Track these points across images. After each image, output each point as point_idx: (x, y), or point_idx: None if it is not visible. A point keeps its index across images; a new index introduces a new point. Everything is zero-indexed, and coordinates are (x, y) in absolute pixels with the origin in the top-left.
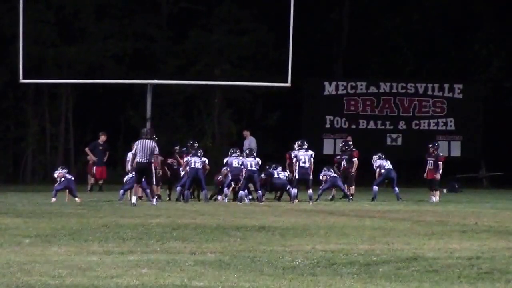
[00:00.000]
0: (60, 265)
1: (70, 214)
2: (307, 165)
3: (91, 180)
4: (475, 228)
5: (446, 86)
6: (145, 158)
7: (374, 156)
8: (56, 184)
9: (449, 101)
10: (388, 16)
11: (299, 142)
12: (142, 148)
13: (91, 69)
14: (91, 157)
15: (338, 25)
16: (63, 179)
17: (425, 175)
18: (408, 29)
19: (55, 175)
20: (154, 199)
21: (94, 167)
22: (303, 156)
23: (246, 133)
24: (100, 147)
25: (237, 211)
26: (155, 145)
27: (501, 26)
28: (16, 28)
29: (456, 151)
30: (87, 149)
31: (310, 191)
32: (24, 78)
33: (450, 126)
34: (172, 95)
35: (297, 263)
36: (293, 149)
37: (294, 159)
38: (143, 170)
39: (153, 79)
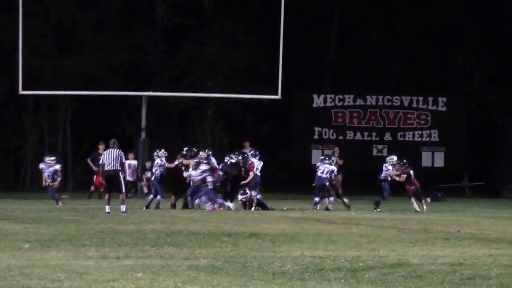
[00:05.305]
0: (58, 269)
1: (68, 220)
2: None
3: (92, 188)
4: (458, 236)
5: (430, 99)
6: (113, 167)
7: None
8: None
9: (433, 113)
10: (375, 32)
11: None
12: (109, 157)
13: (88, 81)
14: (94, 168)
15: (326, 39)
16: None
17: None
18: (394, 44)
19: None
20: (123, 206)
21: (95, 176)
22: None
23: (246, 143)
24: (100, 157)
25: (229, 218)
26: (122, 154)
27: (484, 42)
28: (16, 41)
29: (439, 162)
30: (88, 160)
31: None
32: (23, 90)
33: (434, 137)
34: (166, 106)
35: (287, 268)
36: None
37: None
38: (111, 178)
39: (148, 90)
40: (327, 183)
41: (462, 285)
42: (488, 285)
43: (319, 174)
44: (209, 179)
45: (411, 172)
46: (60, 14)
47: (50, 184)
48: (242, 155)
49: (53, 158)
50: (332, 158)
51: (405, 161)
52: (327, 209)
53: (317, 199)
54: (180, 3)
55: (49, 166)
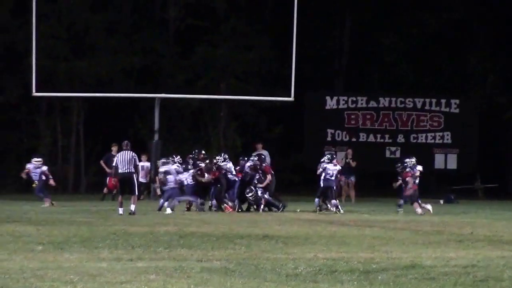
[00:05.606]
0: (71, 271)
1: (81, 222)
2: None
3: (105, 190)
4: (471, 238)
5: (443, 101)
6: (127, 169)
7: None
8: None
9: (446, 115)
10: (387, 33)
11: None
12: (123, 160)
13: (101, 83)
14: (107, 169)
15: (339, 41)
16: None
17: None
18: (407, 46)
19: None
20: (133, 206)
21: (108, 178)
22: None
23: (258, 145)
24: (113, 158)
25: (242, 221)
26: (136, 156)
27: (496, 44)
28: (29, 43)
29: (452, 164)
30: (101, 162)
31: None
32: (36, 92)
33: (447, 139)
34: (179, 108)
35: (300, 270)
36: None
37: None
38: (125, 180)
39: (160, 93)
40: (334, 186)
41: (475, 287)
42: (501, 287)
43: (328, 177)
44: (171, 179)
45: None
46: (72, 16)
47: (35, 185)
48: (258, 156)
49: (39, 159)
50: (334, 157)
51: (405, 164)
52: (337, 210)
53: (318, 200)
54: (192, 5)
55: (36, 167)
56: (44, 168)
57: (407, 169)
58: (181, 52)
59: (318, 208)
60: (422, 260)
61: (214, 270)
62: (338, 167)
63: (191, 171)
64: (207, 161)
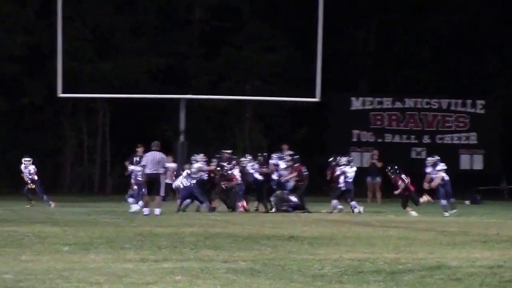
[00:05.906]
0: (97, 272)
1: (106, 223)
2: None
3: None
4: (497, 238)
5: (469, 102)
6: (154, 169)
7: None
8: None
9: (472, 116)
10: (412, 35)
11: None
12: (151, 160)
13: (126, 85)
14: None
15: (364, 42)
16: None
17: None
18: (432, 47)
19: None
20: (159, 210)
21: None
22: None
23: (284, 146)
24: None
25: (267, 222)
26: (164, 156)
27: None
28: (54, 45)
29: (478, 165)
30: (127, 163)
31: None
32: (62, 93)
33: (473, 140)
34: (204, 109)
35: (326, 271)
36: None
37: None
38: (152, 180)
39: (186, 94)
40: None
41: None
42: None
43: (348, 180)
44: (139, 178)
45: (403, 177)
46: (97, 18)
47: (31, 186)
48: (292, 157)
49: (28, 159)
50: (352, 159)
51: (396, 167)
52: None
53: (336, 202)
54: (217, 7)
55: (26, 167)
56: (31, 167)
57: (397, 173)
58: (205, 54)
59: (334, 210)
60: (448, 261)
61: (240, 271)
62: (355, 169)
63: (192, 169)
64: (218, 168)
